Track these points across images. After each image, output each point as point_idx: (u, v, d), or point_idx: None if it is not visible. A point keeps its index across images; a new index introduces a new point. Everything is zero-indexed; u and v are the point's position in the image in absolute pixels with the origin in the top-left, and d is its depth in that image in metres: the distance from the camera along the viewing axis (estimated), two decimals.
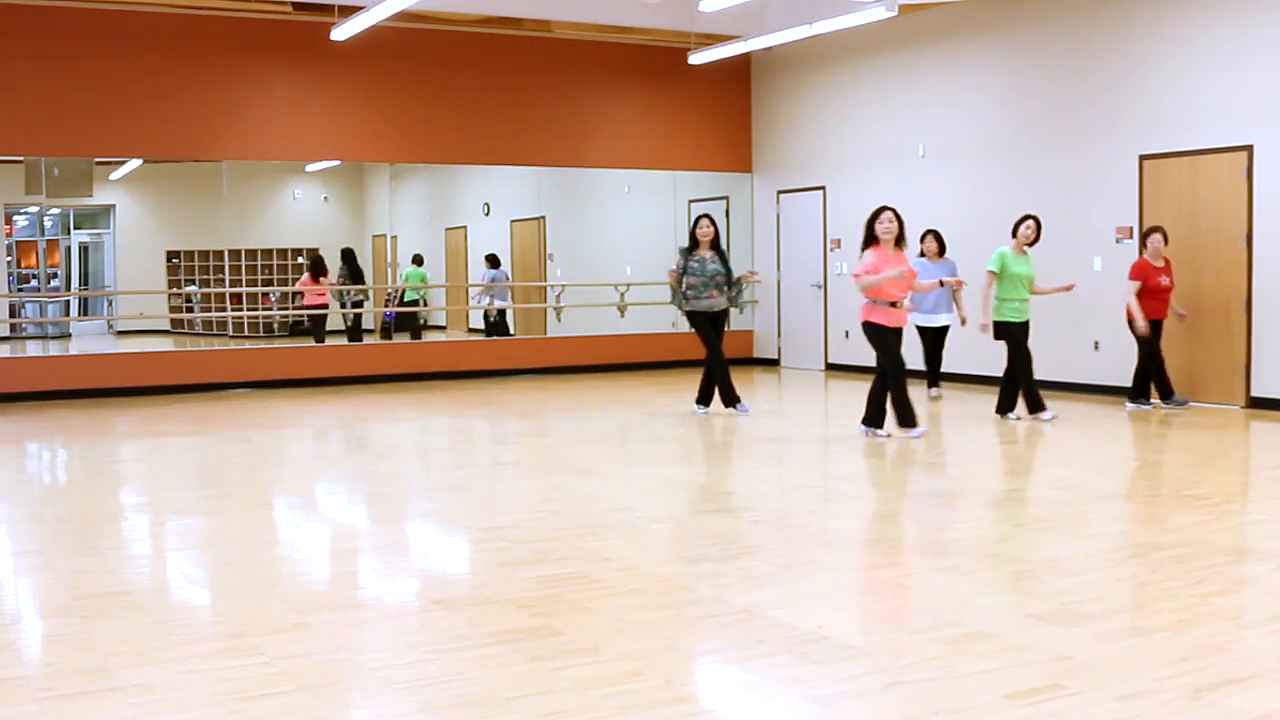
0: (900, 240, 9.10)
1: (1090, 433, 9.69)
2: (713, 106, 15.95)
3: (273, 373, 13.81)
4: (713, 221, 10.62)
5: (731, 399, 10.51)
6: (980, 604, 4.71)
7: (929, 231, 11.76)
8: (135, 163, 17.65)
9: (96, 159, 15.89)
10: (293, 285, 17.10)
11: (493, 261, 17.49)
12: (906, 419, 8.97)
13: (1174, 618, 4.48)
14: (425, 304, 19.11)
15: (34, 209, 19.75)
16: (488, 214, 19.81)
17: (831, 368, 14.79)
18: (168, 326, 19.29)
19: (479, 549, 5.94)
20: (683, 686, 3.91)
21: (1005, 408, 10.23)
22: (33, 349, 17.93)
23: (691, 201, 16.88)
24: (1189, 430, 9.75)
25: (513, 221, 19.14)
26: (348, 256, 16.67)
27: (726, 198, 16.54)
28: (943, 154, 13.51)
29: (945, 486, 7.71)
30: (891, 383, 8.98)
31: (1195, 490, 7.16)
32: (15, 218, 20.00)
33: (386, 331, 17.96)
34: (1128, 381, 11.56)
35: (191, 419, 11.27)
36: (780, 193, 15.85)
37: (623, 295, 15.74)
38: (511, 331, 17.48)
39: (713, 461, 8.37)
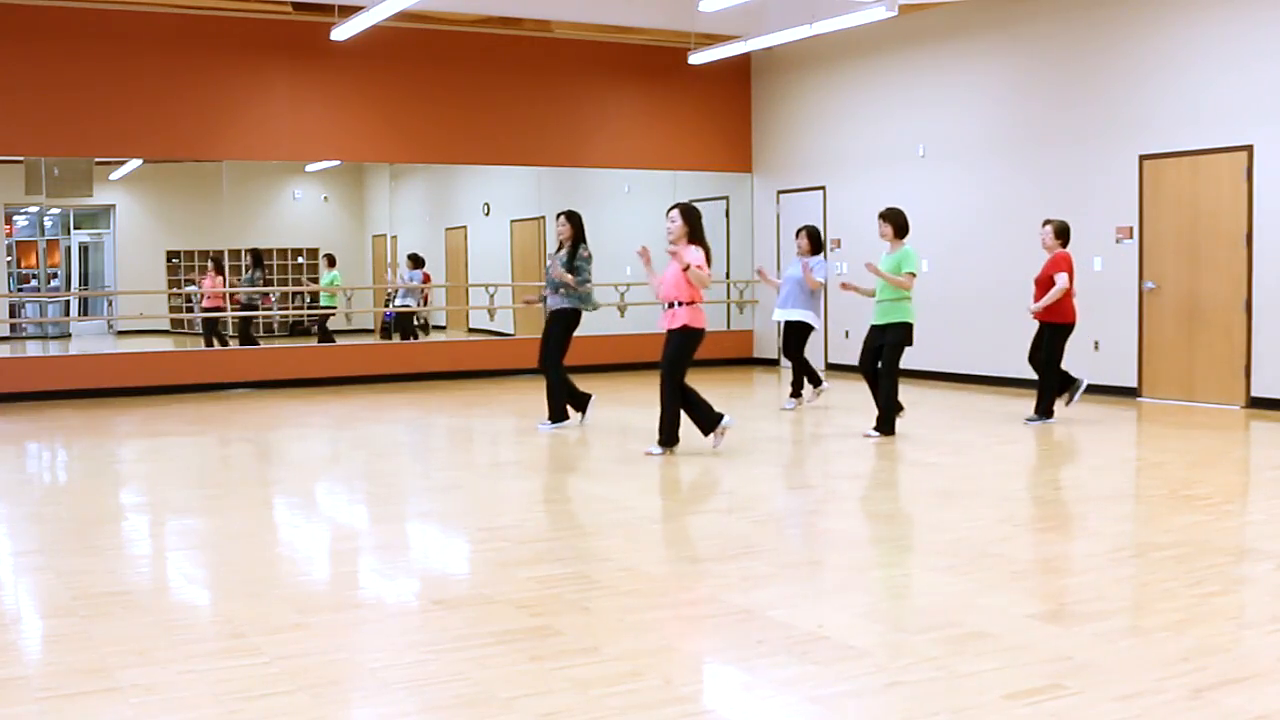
0: (695, 239, 8.38)
1: (1090, 433, 9.69)
2: (713, 106, 15.95)
3: (273, 373, 13.81)
4: (570, 218, 9.86)
5: (553, 412, 9.94)
6: (980, 604, 4.70)
7: (802, 228, 11.26)
8: (135, 163, 17.65)
9: (96, 159, 15.87)
10: (239, 285, 16.82)
11: (415, 261, 17.42)
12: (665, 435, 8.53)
13: (1174, 618, 4.47)
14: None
15: (34, 209, 19.74)
16: (488, 214, 19.81)
17: (831, 367, 14.78)
18: (168, 326, 19.29)
19: (479, 549, 5.94)
20: (683, 686, 3.91)
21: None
22: (33, 349, 17.92)
23: (692, 201, 16.87)
24: (1189, 430, 9.75)
25: (513, 221, 19.14)
26: (257, 257, 16.64)
27: (726, 198, 16.54)
28: (943, 154, 13.51)
29: (944, 486, 7.71)
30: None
31: (1195, 490, 7.16)
32: (15, 218, 19.99)
33: (386, 331, 17.95)
34: (1128, 381, 11.58)
35: (191, 419, 11.27)
36: (780, 193, 15.85)
37: (623, 295, 15.75)
38: (418, 335, 17.37)
39: (712, 461, 8.37)
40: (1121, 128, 11.58)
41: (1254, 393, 10.66)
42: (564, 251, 9.86)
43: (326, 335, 17.19)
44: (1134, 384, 11.52)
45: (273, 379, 13.72)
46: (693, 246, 8.37)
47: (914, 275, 9.32)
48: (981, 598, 4.80)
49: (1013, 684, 3.75)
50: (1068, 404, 10.17)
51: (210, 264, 16.17)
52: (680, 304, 8.42)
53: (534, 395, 12.89)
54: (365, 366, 14.31)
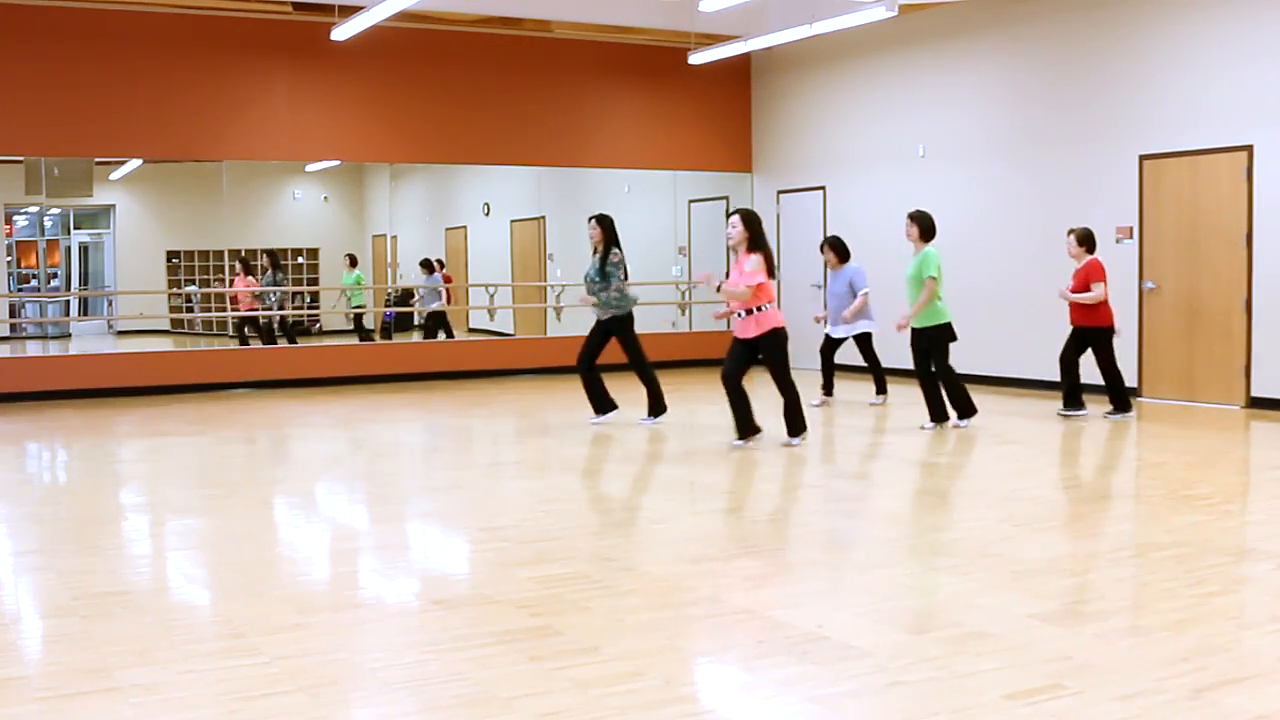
0: (755, 245, 8.49)
1: (1090, 433, 9.69)
2: (713, 106, 15.95)
3: (273, 373, 13.81)
4: (600, 222, 9.94)
5: (599, 406, 10.22)
6: (980, 604, 4.70)
7: (825, 242, 11.56)
8: (135, 163, 17.63)
9: (96, 159, 15.87)
10: (231, 285, 16.74)
11: (428, 267, 17.48)
12: (742, 428, 8.80)
13: (1174, 618, 4.47)
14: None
15: (34, 209, 19.73)
16: (488, 214, 19.81)
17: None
18: (168, 326, 19.29)
19: (479, 549, 5.94)
20: (683, 686, 3.91)
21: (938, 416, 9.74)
22: (33, 349, 17.92)
23: (691, 201, 16.89)
24: (1189, 430, 9.76)
25: (513, 221, 19.14)
26: (275, 259, 16.68)
27: (726, 198, 16.54)
28: (943, 154, 13.51)
29: (945, 486, 7.71)
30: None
31: (1195, 490, 7.16)
32: (15, 218, 19.98)
33: (387, 331, 17.96)
34: (1128, 381, 11.55)
35: (191, 419, 11.27)
36: (780, 193, 15.85)
37: None
38: (451, 335, 17.44)
39: (712, 461, 8.37)
40: (1121, 128, 11.57)
41: (1254, 393, 10.66)
42: (596, 257, 9.98)
43: (366, 334, 17.35)
44: (1134, 384, 11.52)
45: (273, 379, 13.72)
46: (754, 255, 8.45)
47: (934, 279, 9.48)
48: (982, 598, 4.80)
49: (1013, 684, 3.75)
50: (1070, 411, 10.21)
51: (239, 265, 16.20)
52: (756, 309, 8.47)
53: (533, 395, 12.90)
54: (366, 366, 14.31)
